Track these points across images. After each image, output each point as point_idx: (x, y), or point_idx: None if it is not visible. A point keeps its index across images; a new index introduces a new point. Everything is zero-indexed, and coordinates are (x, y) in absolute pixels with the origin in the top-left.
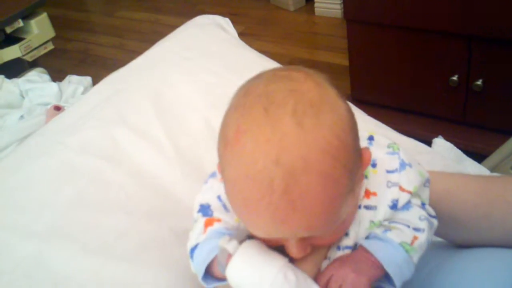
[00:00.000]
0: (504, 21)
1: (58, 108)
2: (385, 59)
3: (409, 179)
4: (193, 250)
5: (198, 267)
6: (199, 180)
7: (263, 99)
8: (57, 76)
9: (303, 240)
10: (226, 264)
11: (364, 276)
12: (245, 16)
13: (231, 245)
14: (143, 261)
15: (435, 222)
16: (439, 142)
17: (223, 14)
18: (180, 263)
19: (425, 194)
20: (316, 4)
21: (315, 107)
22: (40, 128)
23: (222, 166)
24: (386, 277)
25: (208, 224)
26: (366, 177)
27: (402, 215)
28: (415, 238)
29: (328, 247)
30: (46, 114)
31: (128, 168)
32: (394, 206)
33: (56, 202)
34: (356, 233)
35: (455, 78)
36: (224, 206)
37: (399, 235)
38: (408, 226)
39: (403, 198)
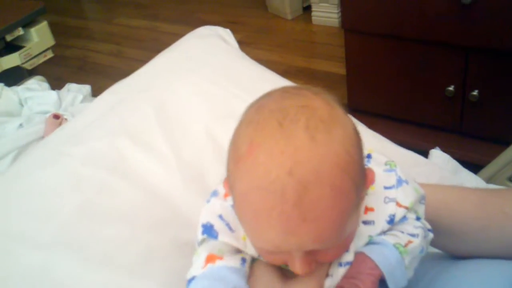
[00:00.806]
0: (500, 33)
1: (57, 117)
2: (382, 68)
3: (406, 195)
4: (190, 281)
5: None
6: (201, 191)
7: (277, 114)
8: (55, 83)
9: (308, 255)
10: None
11: None
12: (243, 25)
13: None
14: (146, 271)
15: (430, 235)
16: (436, 153)
17: (221, 22)
18: (181, 275)
19: (421, 210)
20: (313, 13)
21: (326, 123)
22: (44, 138)
23: (232, 182)
24: (381, 281)
25: (209, 260)
26: (366, 193)
27: (397, 226)
28: (410, 242)
29: (329, 264)
30: (45, 123)
31: (132, 179)
32: (391, 221)
33: (61, 212)
34: (355, 248)
35: (451, 88)
36: (228, 226)
37: (393, 238)
38: (403, 232)
39: (400, 213)
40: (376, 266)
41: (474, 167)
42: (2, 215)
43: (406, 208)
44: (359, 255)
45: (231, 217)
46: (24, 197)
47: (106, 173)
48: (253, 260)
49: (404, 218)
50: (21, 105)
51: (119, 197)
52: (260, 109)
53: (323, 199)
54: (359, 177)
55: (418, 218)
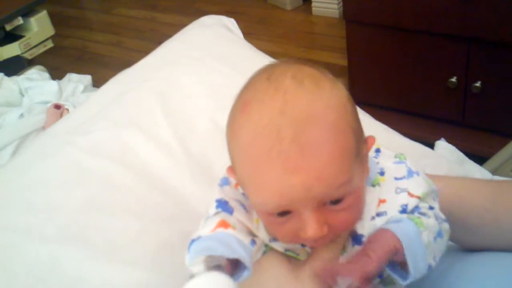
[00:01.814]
0: (502, 24)
1: (58, 107)
2: (384, 60)
3: (417, 185)
4: (193, 241)
5: (190, 260)
6: (208, 182)
7: (265, 74)
8: (54, 73)
9: (318, 214)
10: None
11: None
12: (242, 15)
13: None
14: (155, 264)
15: (446, 225)
16: (442, 144)
17: (220, 13)
18: None
19: (435, 206)
20: (313, 4)
21: (314, 76)
22: (47, 129)
23: (232, 144)
24: (396, 266)
25: (221, 224)
26: (378, 184)
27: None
28: (419, 218)
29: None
30: (46, 113)
31: (138, 170)
32: (403, 211)
33: (67, 205)
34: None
35: (453, 79)
36: (243, 206)
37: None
38: (413, 213)
39: (412, 203)
40: (393, 235)
41: (477, 158)
42: (7, 209)
43: (418, 197)
44: (380, 230)
45: (244, 201)
46: (29, 190)
47: (112, 165)
48: (264, 252)
49: (416, 208)
50: (22, 95)
51: (126, 190)
52: (251, 81)
53: (318, 134)
54: (355, 124)
55: (431, 208)
